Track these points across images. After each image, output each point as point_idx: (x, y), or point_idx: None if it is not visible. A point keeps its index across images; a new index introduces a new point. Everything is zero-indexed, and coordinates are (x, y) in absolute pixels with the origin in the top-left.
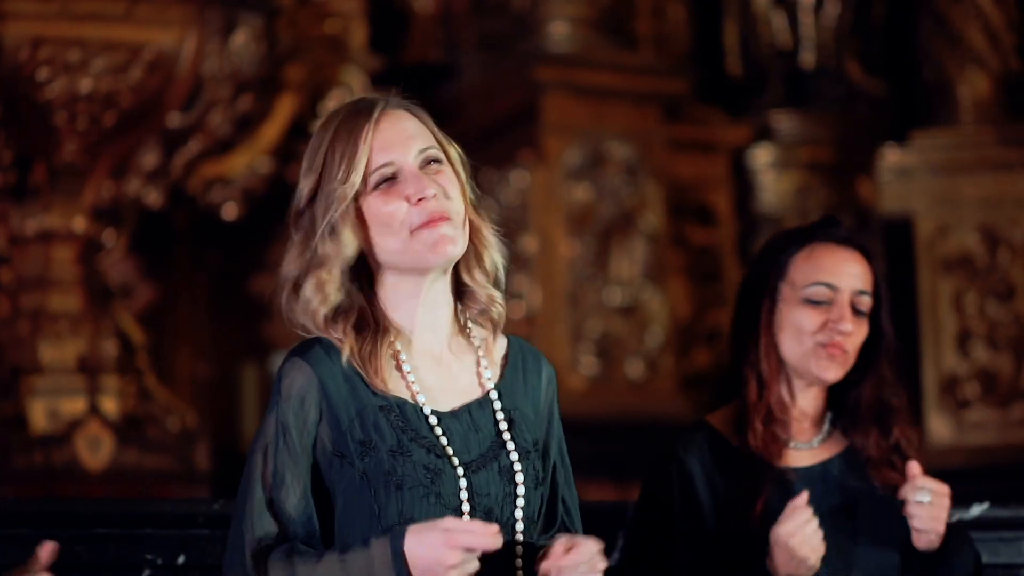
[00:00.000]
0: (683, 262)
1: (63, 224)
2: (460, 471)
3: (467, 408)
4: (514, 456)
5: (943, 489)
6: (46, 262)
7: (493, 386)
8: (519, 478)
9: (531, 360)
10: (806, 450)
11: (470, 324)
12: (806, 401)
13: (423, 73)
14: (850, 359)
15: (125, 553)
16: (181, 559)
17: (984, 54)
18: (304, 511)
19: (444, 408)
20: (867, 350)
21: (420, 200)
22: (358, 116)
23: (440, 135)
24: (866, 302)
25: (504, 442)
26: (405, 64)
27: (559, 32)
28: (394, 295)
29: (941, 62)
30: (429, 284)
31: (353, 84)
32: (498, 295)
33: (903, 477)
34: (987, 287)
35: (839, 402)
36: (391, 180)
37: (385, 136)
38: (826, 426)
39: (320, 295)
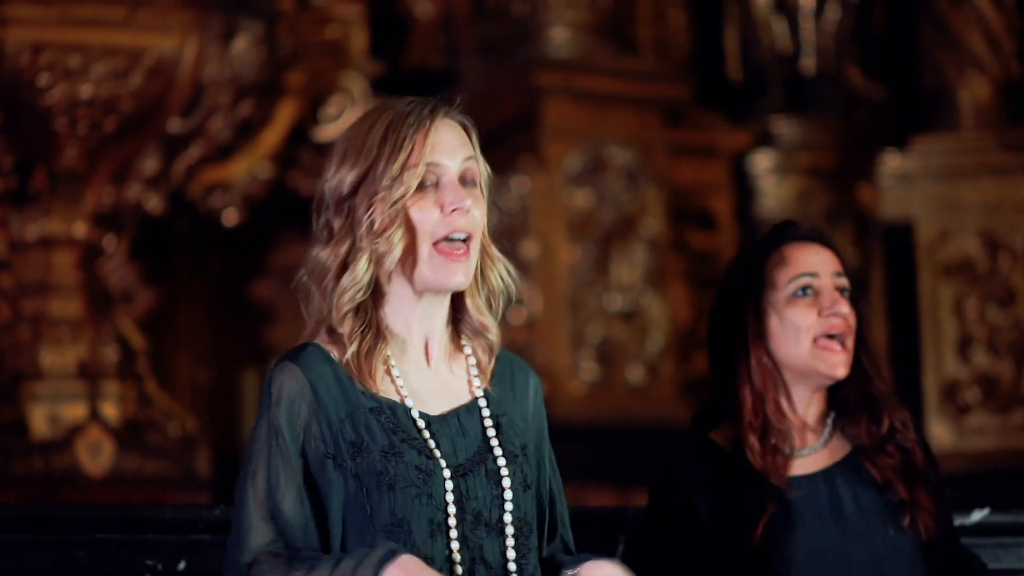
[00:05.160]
0: (683, 267)
1: (64, 229)
2: (447, 474)
3: (455, 413)
4: (501, 461)
5: None
6: (47, 267)
7: (481, 393)
8: (506, 483)
9: (518, 370)
10: (808, 456)
11: (464, 340)
12: (808, 408)
13: (424, 78)
14: (850, 351)
15: (126, 558)
16: (182, 565)
17: (984, 59)
18: (301, 513)
19: (433, 412)
20: None
21: (454, 211)
22: (413, 115)
23: (479, 153)
24: (845, 283)
25: (491, 447)
26: (406, 70)
27: (559, 37)
28: (397, 301)
29: (941, 67)
30: (431, 297)
31: (354, 90)
32: (491, 323)
33: (897, 464)
34: (988, 292)
35: (833, 400)
36: (430, 185)
37: (437, 140)
38: (827, 430)
39: (354, 290)
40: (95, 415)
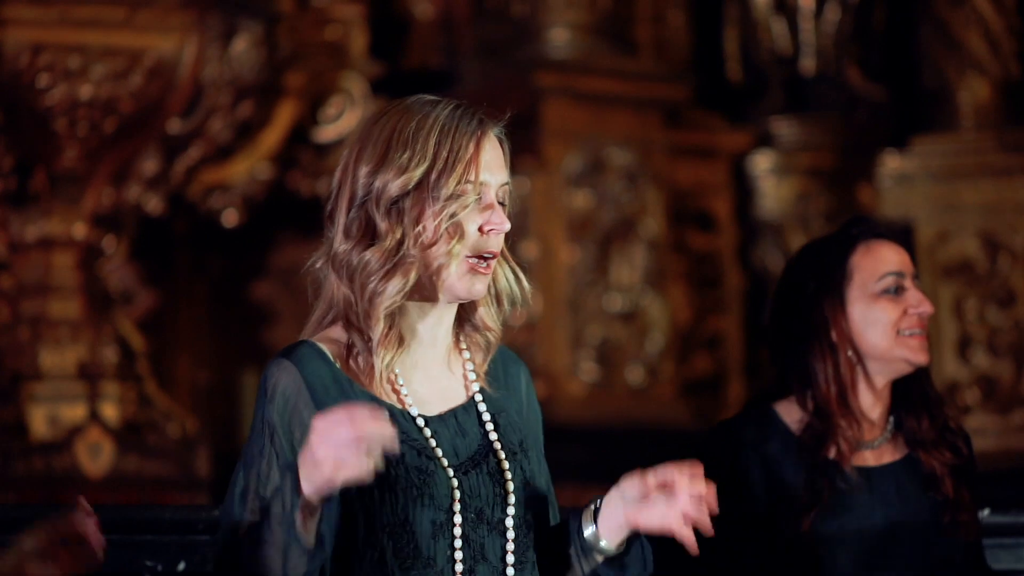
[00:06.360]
0: (683, 268)
1: (63, 230)
2: (450, 472)
3: (453, 413)
4: (502, 455)
5: None
6: (46, 268)
7: (477, 389)
8: (509, 482)
9: (510, 364)
10: (869, 450)
11: (462, 338)
12: (878, 399)
13: (423, 79)
14: (928, 342)
15: (125, 559)
16: (181, 565)
17: (984, 60)
18: None
19: (431, 413)
20: None
21: (492, 231)
22: (464, 124)
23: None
24: (919, 285)
25: (491, 443)
26: (405, 70)
27: (559, 38)
28: (418, 306)
29: (941, 68)
30: (448, 303)
31: (354, 90)
32: (496, 325)
33: (956, 457)
34: (987, 293)
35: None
36: (474, 202)
37: (486, 158)
38: (890, 426)
39: (398, 296)
40: (95, 416)
